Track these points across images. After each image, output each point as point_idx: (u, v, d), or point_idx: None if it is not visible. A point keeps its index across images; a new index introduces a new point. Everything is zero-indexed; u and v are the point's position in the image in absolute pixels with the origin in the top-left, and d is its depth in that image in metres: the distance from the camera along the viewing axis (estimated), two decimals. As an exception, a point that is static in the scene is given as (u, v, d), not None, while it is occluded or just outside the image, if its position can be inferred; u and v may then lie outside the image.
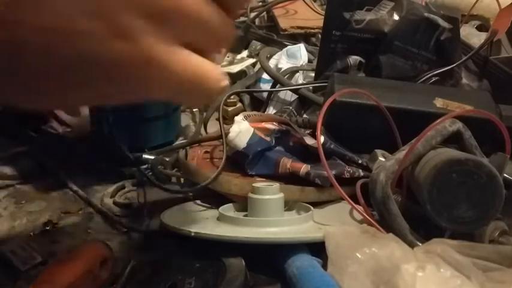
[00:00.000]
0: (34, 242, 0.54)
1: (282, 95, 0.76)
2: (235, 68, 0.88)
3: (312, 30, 0.98)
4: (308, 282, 0.41)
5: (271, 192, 0.50)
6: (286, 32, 0.98)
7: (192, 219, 0.52)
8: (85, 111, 0.70)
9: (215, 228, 0.48)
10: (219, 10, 0.28)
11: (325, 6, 0.88)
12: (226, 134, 0.57)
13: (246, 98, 0.82)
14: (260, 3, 1.12)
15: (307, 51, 0.83)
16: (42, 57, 0.25)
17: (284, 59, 0.81)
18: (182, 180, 0.62)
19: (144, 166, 0.61)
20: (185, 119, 0.81)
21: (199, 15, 0.26)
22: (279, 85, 0.74)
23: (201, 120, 0.75)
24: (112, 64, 0.25)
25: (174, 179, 0.62)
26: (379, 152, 0.52)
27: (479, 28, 0.88)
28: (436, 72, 0.68)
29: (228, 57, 0.92)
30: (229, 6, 0.28)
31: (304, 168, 0.53)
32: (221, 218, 0.51)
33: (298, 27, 0.98)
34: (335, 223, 0.47)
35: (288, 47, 0.84)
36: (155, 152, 0.64)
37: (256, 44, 0.95)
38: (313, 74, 0.75)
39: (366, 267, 0.40)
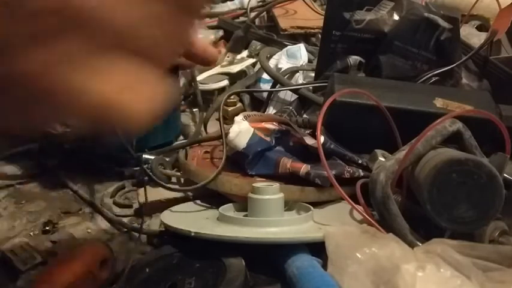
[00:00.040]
0: (34, 242, 0.54)
1: (282, 95, 0.76)
2: (235, 68, 0.88)
3: (312, 30, 0.98)
4: (308, 282, 0.41)
5: (271, 192, 0.50)
6: (286, 32, 0.98)
7: (192, 219, 0.52)
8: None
9: (215, 228, 0.48)
10: (166, 10, 0.22)
11: (325, 6, 0.88)
12: (226, 134, 0.57)
13: (246, 98, 0.82)
14: (260, 3, 1.12)
15: (307, 51, 0.83)
16: None
17: (284, 59, 0.81)
18: (182, 180, 0.62)
19: (145, 166, 0.62)
20: (185, 119, 0.81)
21: (118, 20, 0.21)
22: (279, 85, 0.74)
23: (201, 120, 0.75)
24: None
25: (174, 179, 0.62)
26: (379, 152, 0.52)
27: (479, 28, 0.88)
28: (436, 72, 0.68)
29: (228, 57, 0.92)
30: (185, 4, 0.23)
31: (304, 168, 0.53)
32: (221, 218, 0.51)
33: (298, 27, 0.98)
34: (335, 223, 0.47)
35: (288, 47, 0.84)
36: (155, 152, 0.64)
37: (256, 44, 0.95)
38: (313, 74, 0.75)
39: (366, 267, 0.40)
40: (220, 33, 1.01)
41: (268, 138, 0.58)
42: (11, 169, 0.67)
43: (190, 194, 0.59)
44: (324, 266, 0.43)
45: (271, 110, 0.75)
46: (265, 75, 0.80)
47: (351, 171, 0.54)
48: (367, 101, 0.56)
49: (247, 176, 0.55)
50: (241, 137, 0.56)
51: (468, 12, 0.89)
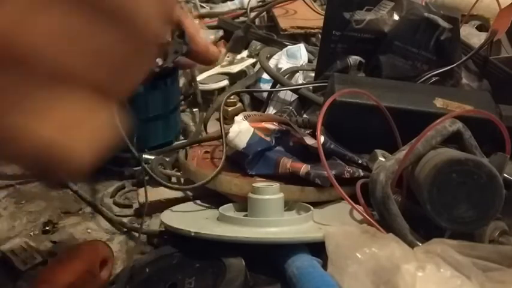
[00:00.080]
0: (34, 242, 0.54)
1: (282, 95, 0.76)
2: (235, 68, 0.89)
3: (312, 30, 0.98)
4: (308, 282, 0.41)
5: (271, 192, 0.50)
6: (286, 32, 0.98)
7: (192, 219, 0.52)
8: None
9: (215, 228, 0.48)
10: (114, 45, 0.20)
11: (325, 6, 0.88)
12: (226, 134, 0.57)
13: (246, 98, 0.82)
14: (260, 3, 1.12)
15: (307, 51, 0.83)
16: None
17: (284, 59, 0.81)
18: (182, 180, 0.62)
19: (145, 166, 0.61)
20: (185, 119, 0.81)
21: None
22: (279, 85, 0.74)
23: (201, 120, 0.75)
24: None
25: (174, 179, 0.62)
26: (379, 152, 0.52)
27: (479, 28, 0.88)
28: (436, 72, 0.68)
29: (228, 57, 0.92)
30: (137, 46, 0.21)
31: (304, 168, 0.53)
32: (221, 218, 0.51)
33: (298, 27, 0.98)
34: (335, 223, 0.47)
35: (288, 47, 0.84)
36: (155, 152, 0.64)
37: (256, 44, 0.95)
38: (313, 74, 0.75)
39: (366, 267, 0.40)
40: (220, 33, 1.01)
41: (268, 138, 0.58)
42: (11, 169, 0.67)
43: (190, 194, 0.59)
44: (324, 266, 0.43)
45: (271, 110, 0.75)
46: (265, 75, 0.80)
47: (351, 171, 0.54)
48: (367, 101, 0.56)
49: (247, 176, 0.55)
50: (241, 136, 0.56)
51: (468, 12, 0.89)
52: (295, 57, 0.81)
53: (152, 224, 0.57)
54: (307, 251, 0.46)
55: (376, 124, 0.55)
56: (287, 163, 0.54)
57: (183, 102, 0.85)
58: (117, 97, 0.22)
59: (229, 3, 1.18)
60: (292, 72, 0.78)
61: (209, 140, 0.64)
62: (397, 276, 0.38)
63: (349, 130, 0.58)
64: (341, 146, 0.57)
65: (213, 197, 0.57)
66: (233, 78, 0.87)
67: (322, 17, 0.73)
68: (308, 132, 0.60)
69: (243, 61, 0.91)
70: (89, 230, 0.58)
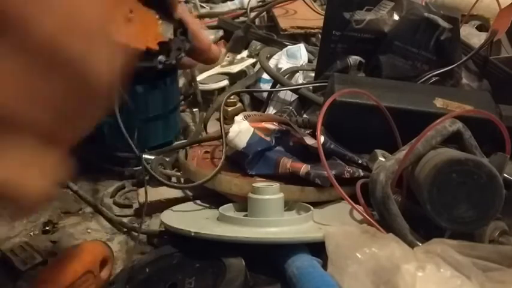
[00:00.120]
0: (34, 242, 0.54)
1: (282, 95, 0.76)
2: (235, 68, 0.88)
3: (312, 30, 0.98)
4: (308, 282, 0.41)
5: (271, 192, 0.50)
6: (286, 32, 0.98)
7: (192, 219, 0.52)
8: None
9: (215, 228, 0.48)
10: (63, 95, 0.21)
11: (325, 6, 0.88)
12: (226, 133, 0.57)
13: (246, 98, 0.82)
14: (260, 3, 1.12)
15: (307, 51, 0.83)
16: None
17: (284, 59, 0.81)
18: (182, 180, 0.62)
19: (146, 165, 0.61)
20: (185, 119, 0.81)
21: None
22: (279, 85, 0.74)
23: (201, 120, 0.75)
24: None
25: (174, 179, 0.62)
26: (379, 152, 0.52)
27: (479, 28, 0.88)
28: (436, 72, 0.68)
29: (228, 57, 0.92)
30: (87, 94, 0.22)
31: (304, 168, 0.53)
32: (221, 218, 0.51)
33: (298, 27, 0.98)
34: (335, 223, 0.47)
35: (288, 47, 0.84)
36: (155, 152, 0.64)
37: (256, 44, 0.95)
38: (313, 74, 0.75)
39: (366, 267, 0.40)
40: (220, 33, 1.01)
41: (268, 138, 0.58)
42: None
43: (190, 194, 0.59)
44: (324, 266, 0.43)
45: (271, 110, 0.75)
46: (265, 75, 0.80)
47: (351, 171, 0.54)
48: (367, 101, 0.56)
49: (247, 176, 0.55)
50: (241, 136, 0.56)
51: (468, 12, 0.89)
52: (295, 57, 0.81)
53: (152, 224, 0.57)
54: (307, 251, 0.46)
55: (376, 124, 0.55)
56: (287, 163, 0.54)
57: (183, 102, 0.85)
58: (66, 142, 0.23)
59: (229, 3, 1.18)
60: (292, 72, 0.78)
61: (209, 140, 0.64)
62: (397, 276, 0.38)
63: (349, 130, 0.58)
64: (341, 146, 0.57)
65: (213, 197, 0.57)
66: (233, 78, 0.87)
67: (322, 17, 0.73)
68: (308, 132, 0.60)
69: (243, 61, 0.91)
70: (89, 230, 0.58)
